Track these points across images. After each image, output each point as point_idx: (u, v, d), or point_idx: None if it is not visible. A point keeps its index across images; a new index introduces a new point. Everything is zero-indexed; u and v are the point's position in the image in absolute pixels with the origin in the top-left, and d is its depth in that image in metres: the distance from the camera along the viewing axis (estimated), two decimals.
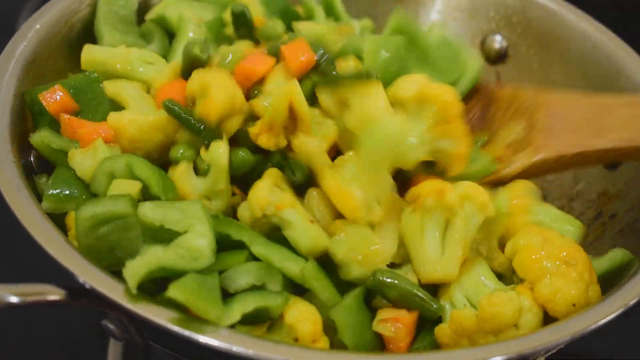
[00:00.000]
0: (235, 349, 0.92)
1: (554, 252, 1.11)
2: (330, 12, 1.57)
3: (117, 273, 1.13)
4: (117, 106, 1.23)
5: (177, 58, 1.32)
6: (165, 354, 1.13)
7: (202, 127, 1.15)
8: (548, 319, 1.11)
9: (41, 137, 1.20)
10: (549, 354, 1.10)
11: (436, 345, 1.12)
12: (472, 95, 1.38)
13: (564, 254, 1.11)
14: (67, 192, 1.14)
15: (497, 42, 1.64)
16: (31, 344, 1.38)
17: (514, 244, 1.16)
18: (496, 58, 1.65)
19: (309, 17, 1.49)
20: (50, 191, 1.13)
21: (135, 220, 1.04)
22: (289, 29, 1.39)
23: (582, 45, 1.50)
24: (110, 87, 1.24)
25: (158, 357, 1.33)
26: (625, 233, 1.27)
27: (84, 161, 1.15)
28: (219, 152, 1.13)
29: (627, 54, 1.44)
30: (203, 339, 0.93)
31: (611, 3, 1.82)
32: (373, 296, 1.13)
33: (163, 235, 1.04)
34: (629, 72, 1.42)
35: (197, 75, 1.17)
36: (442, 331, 1.10)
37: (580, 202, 1.42)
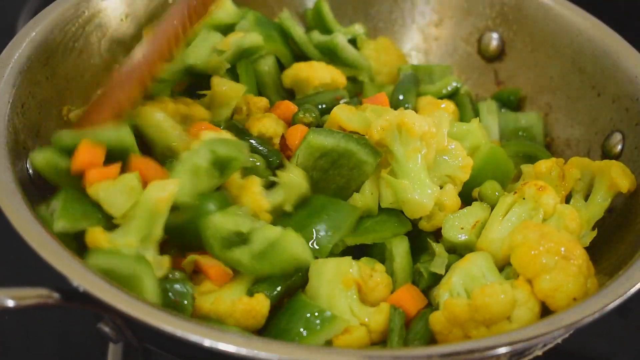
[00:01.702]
0: (230, 349, 0.92)
1: (552, 247, 1.11)
2: (320, 22, 1.58)
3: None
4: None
5: None
6: (163, 356, 1.13)
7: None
8: (548, 314, 1.10)
9: (46, 158, 1.14)
10: (547, 348, 1.10)
11: (429, 332, 1.13)
12: None
13: (563, 248, 1.11)
14: (82, 210, 1.12)
15: (494, 39, 1.65)
16: (31, 347, 1.38)
17: (510, 240, 1.16)
18: (493, 56, 1.66)
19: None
20: (63, 210, 1.11)
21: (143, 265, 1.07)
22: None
23: (578, 40, 1.50)
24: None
25: (157, 359, 1.33)
26: (622, 227, 1.26)
27: (117, 196, 1.11)
28: (299, 176, 1.23)
29: (622, 48, 1.43)
30: (197, 339, 0.93)
31: None
32: None
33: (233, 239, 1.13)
34: (625, 64, 1.41)
35: None
36: (435, 318, 1.11)
37: None
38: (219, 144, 1.17)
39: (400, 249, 1.23)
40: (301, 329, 1.08)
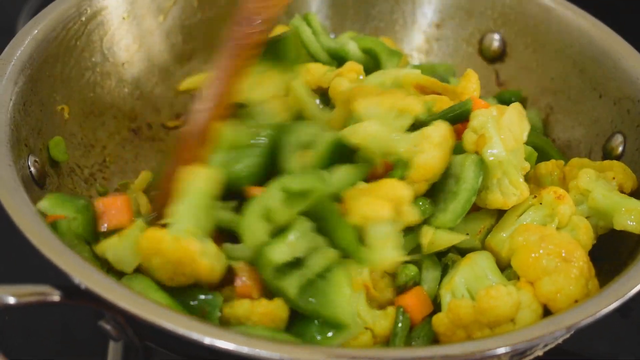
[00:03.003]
0: (232, 347, 0.92)
1: (552, 250, 1.11)
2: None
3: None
4: None
5: None
6: (165, 354, 1.13)
7: None
8: (550, 314, 1.10)
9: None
10: (547, 348, 1.10)
11: (432, 333, 1.13)
12: None
13: (563, 251, 1.11)
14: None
15: (495, 40, 1.64)
16: (32, 344, 1.38)
17: (511, 243, 1.16)
18: (494, 57, 1.65)
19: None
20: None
21: None
22: None
23: (579, 41, 1.49)
24: None
25: (159, 358, 1.33)
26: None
27: (122, 250, 1.13)
28: None
29: (624, 49, 1.43)
30: (199, 337, 0.92)
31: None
32: None
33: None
34: (626, 66, 1.41)
35: None
36: (439, 320, 1.11)
37: None
38: (290, 180, 1.12)
39: (430, 275, 1.21)
40: (315, 334, 1.08)
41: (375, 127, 1.16)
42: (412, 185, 1.15)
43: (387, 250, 1.10)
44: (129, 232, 1.14)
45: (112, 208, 1.19)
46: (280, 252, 1.08)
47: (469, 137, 1.19)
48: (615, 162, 1.29)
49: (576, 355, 1.40)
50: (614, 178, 1.26)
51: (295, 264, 1.10)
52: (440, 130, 1.15)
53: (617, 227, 1.20)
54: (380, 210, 1.09)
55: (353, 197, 1.12)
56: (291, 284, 1.08)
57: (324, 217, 1.12)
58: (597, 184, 1.25)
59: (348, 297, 1.09)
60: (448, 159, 1.17)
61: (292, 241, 1.09)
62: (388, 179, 1.14)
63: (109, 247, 1.14)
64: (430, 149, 1.14)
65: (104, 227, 1.18)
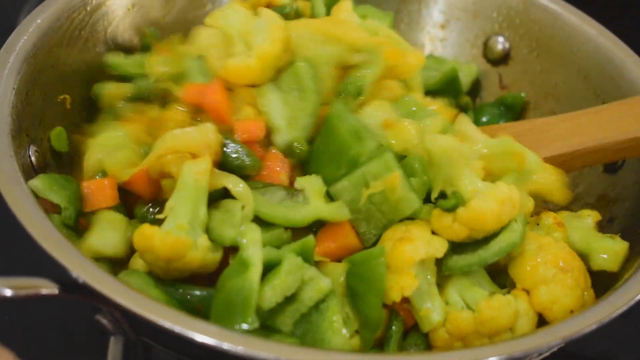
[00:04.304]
0: (226, 346, 0.92)
1: (550, 260, 1.11)
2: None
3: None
4: None
5: None
6: (163, 350, 1.13)
7: None
8: (543, 321, 1.11)
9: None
10: (542, 356, 1.10)
11: (427, 346, 1.12)
12: None
13: (560, 261, 1.11)
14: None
15: (500, 43, 1.64)
16: (31, 340, 1.37)
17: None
18: (498, 59, 1.65)
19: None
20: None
21: None
22: None
23: (584, 47, 1.50)
24: None
25: (158, 354, 1.33)
26: (624, 237, 1.26)
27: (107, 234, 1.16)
28: None
29: (628, 57, 1.44)
30: (194, 335, 0.92)
31: (613, 6, 1.82)
32: None
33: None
34: (631, 75, 1.41)
35: None
36: (437, 335, 1.10)
37: (579, 205, 1.41)
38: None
39: None
40: None
41: (458, 145, 1.11)
42: (454, 225, 1.09)
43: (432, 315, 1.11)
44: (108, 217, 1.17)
45: (99, 191, 1.20)
46: (271, 297, 1.03)
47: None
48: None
49: (575, 355, 1.41)
50: (589, 216, 1.25)
51: (288, 297, 1.06)
52: (510, 192, 1.09)
53: (595, 268, 1.19)
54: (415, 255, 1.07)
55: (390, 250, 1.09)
56: (284, 322, 1.06)
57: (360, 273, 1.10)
58: (572, 226, 1.24)
59: (343, 335, 1.07)
60: (502, 224, 1.10)
61: (281, 282, 1.04)
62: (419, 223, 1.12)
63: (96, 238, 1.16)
64: (491, 201, 1.08)
65: (88, 209, 1.20)
